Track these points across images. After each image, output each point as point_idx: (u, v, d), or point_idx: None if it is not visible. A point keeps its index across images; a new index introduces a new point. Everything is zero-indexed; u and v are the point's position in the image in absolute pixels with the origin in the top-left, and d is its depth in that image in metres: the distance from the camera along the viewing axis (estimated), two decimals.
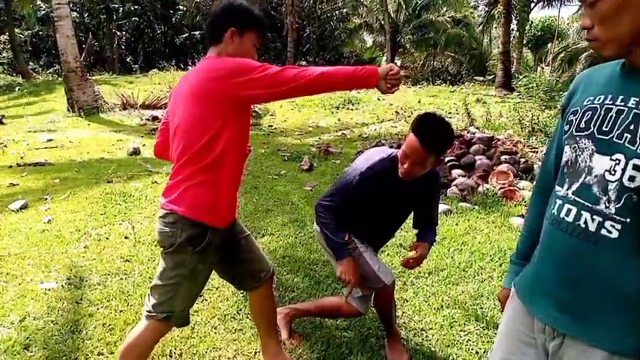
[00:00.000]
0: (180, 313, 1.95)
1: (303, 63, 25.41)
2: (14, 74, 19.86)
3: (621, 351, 1.09)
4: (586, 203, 1.11)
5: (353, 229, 2.38)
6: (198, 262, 1.91)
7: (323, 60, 27.79)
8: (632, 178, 1.04)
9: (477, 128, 7.61)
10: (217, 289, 3.20)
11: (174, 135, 1.92)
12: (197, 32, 27.34)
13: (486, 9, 25.76)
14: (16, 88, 16.20)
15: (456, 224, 4.35)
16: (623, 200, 1.05)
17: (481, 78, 21.79)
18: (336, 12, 28.10)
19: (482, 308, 3.02)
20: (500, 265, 3.59)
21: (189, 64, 24.36)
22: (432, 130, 2.05)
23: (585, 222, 1.11)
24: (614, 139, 1.07)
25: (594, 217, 1.09)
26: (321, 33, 28.67)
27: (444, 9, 26.53)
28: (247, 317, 2.86)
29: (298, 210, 4.77)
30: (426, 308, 3.01)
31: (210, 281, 3.25)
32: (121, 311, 2.92)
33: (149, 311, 1.93)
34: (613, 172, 1.07)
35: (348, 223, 2.35)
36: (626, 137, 1.05)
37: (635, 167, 1.04)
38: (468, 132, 6.86)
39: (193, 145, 1.84)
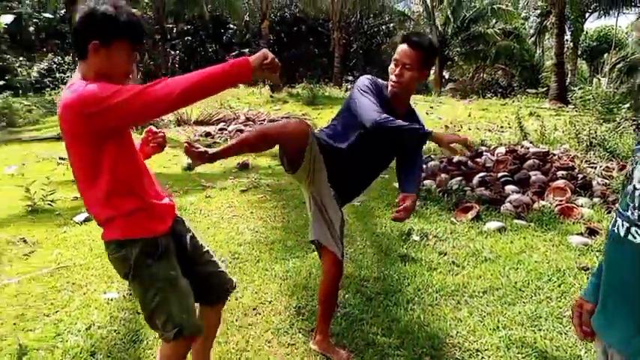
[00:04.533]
0: (187, 323, 1.91)
1: (350, 78, 25.56)
2: None
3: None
4: (621, 211, 1.19)
5: (339, 162, 2.41)
6: (167, 270, 1.89)
7: (370, 74, 27.79)
8: None
9: (531, 143, 7.40)
10: (270, 302, 3.25)
11: None
12: (246, 49, 28.05)
13: (538, 20, 25.13)
14: None
15: (511, 242, 4.24)
16: None
17: (534, 91, 21.16)
18: (383, 27, 28.14)
19: (540, 330, 2.92)
20: (559, 286, 3.47)
21: None
22: (413, 33, 2.34)
23: (618, 228, 1.18)
24: None
25: (624, 223, 1.17)
26: (368, 48, 28.78)
27: (494, 21, 26.04)
28: (300, 332, 2.89)
29: (347, 225, 4.78)
30: (481, 329, 2.95)
31: (263, 295, 3.34)
32: None
33: (162, 335, 1.93)
34: None
35: (339, 154, 2.40)
36: None
37: None
38: (522, 146, 6.70)
39: (85, 189, 1.82)
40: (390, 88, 2.38)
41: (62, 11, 23.23)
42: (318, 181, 2.46)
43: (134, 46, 1.77)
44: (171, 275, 1.91)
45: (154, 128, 2.17)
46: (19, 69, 21.42)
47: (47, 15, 25.13)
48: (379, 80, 2.49)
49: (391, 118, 2.24)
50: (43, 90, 20.94)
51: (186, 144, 2.23)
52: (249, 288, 3.47)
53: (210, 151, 2.31)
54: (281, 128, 2.34)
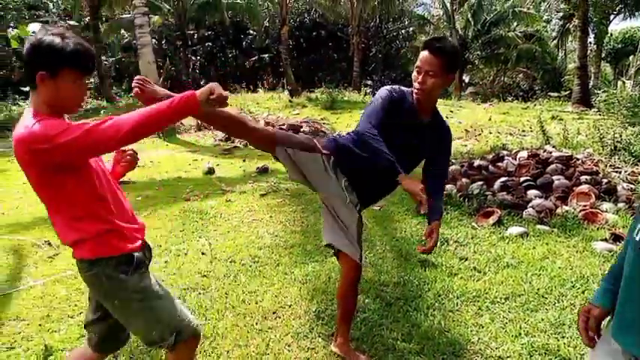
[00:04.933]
0: (183, 325, 1.90)
1: (369, 82, 25.53)
2: (99, 98, 21.39)
3: None
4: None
5: (361, 169, 2.39)
6: (143, 281, 1.87)
7: (389, 79, 27.79)
8: None
9: (554, 147, 7.28)
10: (290, 306, 3.26)
11: None
12: (266, 55, 28.26)
13: (561, 22, 24.78)
14: (101, 112, 17.42)
15: (534, 248, 4.18)
16: None
17: (556, 94, 20.89)
18: (402, 31, 28.08)
19: (564, 337, 2.87)
20: (583, 292, 3.40)
21: (258, 85, 25.18)
22: (434, 38, 2.30)
23: (637, 234, 1.19)
24: None
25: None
26: (387, 52, 28.73)
27: (515, 24, 25.78)
28: (320, 336, 2.89)
29: (367, 230, 4.77)
30: (503, 335, 2.91)
31: (282, 298, 3.35)
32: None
33: (165, 345, 1.90)
34: None
35: (361, 160, 2.34)
36: None
37: None
38: (544, 151, 6.60)
39: (50, 214, 1.81)
40: (414, 95, 2.37)
41: (87, 19, 23.72)
42: (325, 190, 2.48)
43: (82, 75, 1.73)
44: (149, 284, 1.89)
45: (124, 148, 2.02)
46: None
47: (72, 22, 25.71)
48: (403, 88, 2.47)
49: (376, 137, 2.23)
50: None
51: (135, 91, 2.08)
52: (269, 291, 3.48)
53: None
54: (254, 128, 2.37)
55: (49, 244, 4.47)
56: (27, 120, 1.68)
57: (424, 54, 2.27)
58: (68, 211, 1.78)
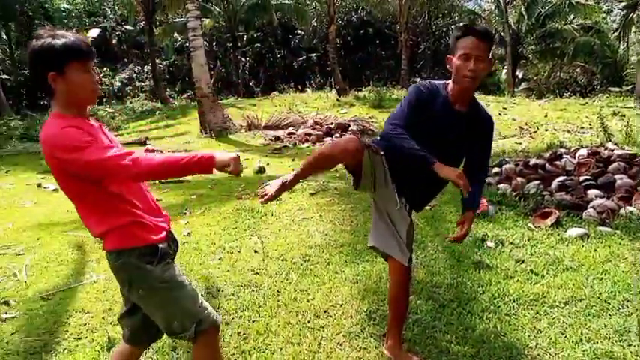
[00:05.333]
0: (203, 315, 1.97)
1: (417, 79, 25.16)
2: (154, 100, 22.21)
3: None
4: None
5: (403, 170, 2.37)
6: (169, 272, 1.93)
7: (438, 76, 27.28)
8: None
9: (616, 144, 6.93)
10: (341, 305, 3.27)
11: None
12: (313, 54, 28.43)
13: (623, 13, 23.51)
14: (157, 113, 18.08)
15: (595, 250, 3.99)
16: None
17: (617, 89, 19.84)
18: (452, 27, 27.49)
19: (630, 345, 2.73)
20: None
21: (307, 85, 25.36)
22: (471, 24, 2.26)
23: None
24: None
25: None
26: (436, 49, 28.23)
27: (572, 16, 24.69)
28: (371, 336, 2.89)
29: (418, 230, 4.69)
30: (562, 341, 2.80)
31: (334, 297, 3.36)
32: (253, 321, 3.11)
33: (188, 335, 1.96)
34: None
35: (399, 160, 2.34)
36: None
37: None
38: (606, 149, 6.29)
39: (77, 208, 1.91)
40: (463, 84, 2.29)
41: (141, 23, 24.66)
42: (382, 192, 2.48)
43: (85, 63, 1.82)
44: (175, 275, 1.96)
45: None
46: (103, 79, 23.01)
47: (128, 27, 26.81)
48: (435, 82, 2.43)
49: (400, 135, 2.25)
50: (125, 97, 22.36)
51: (260, 200, 2.38)
52: (320, 290, 3.50)
53: (284, 180, 2.40)
54: (332, 147, 2.38)
55: None
56: (49, 122, 1.81)
57: (471, 40, 2.22)
58: (93, 207, 1.89)
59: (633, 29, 22.78)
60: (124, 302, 2.15)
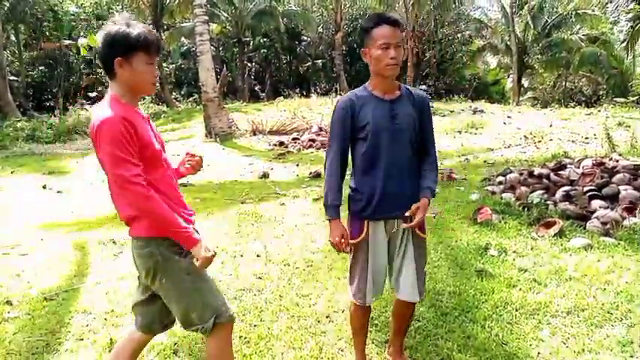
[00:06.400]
0: (223, 310, 2.02)
1: (423, 87, 25.16)
2: (160, 103, 22.31)
3: None
4: None
5: (366, 175, 2.34)
6: (192, 264, 1.95)
7: (443, 83, 27.30)
8: None
9: (621, 155, 6.92)
10: (343, 311, 3.27)
11: None
12: (319, 61, 28.51)
13: (630, 24, 23.48)
14: (162, 116, 18.17)
15: (598, 261, 3.98)
16: None
17: (622, 99, 19.76)
18: (458, 35, 27.52)
19: (632, 357, 2.71)
20: None
21: (312, 91, 25.43)
22: (379, 14, 2.27)
23: None
24: None
25: None
26: (442, 57, 28.25)
27: (578, 26, 24.70)
28: (373, 343, 2.89)
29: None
30: (564, 351, 2.79)
31: (336, 303, 3.36)
32: (255, 325, 3.11)
33: (202, 327, 1.99)
34: None
35: (361, 169, 2.35)
36: None
37: None
38: (610, 159, 6.28)
39: (113, 192, 1.97)
40: (386, 72, 2.24)
41: (149, 26, 24.78)
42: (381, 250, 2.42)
43: (151, 56, 1.93)
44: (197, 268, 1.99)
45: (192, 150, 2.35)
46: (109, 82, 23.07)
47: None
48: (353, 90, 2.41)
49: (330, 168, 2.36)
50: None
51: None
52: (323, 295, 3.51)
53: None
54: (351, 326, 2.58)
55: (114, 242, 4.69)
56: (107, 104, 1.89)
57: (385, 29, 2.19)
58: None
59: None
60: (140, 291, 2.16)
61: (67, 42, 22.93)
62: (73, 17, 23.72)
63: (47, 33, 23.04)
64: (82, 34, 22.70)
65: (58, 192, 7.32)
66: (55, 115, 17.67)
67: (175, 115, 18.05)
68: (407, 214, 2.27)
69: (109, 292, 3.66)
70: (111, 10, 25.22)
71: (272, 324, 3.12)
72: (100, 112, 1.86)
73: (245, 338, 2.95)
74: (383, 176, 2.29)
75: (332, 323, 3.13)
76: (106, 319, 3.28)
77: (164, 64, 24.51)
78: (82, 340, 3.04)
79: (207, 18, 12.52)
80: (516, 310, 3.23)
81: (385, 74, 2.25)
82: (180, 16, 20.99)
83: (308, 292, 3.57)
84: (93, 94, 23.00)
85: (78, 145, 13.71)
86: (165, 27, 23.88)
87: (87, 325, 3.20)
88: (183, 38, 25.34)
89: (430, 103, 2.43)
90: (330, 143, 2.38)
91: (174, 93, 25.43)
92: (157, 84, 2.06)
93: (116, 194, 1.96)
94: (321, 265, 4.07)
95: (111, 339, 2.97)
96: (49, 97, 23.99)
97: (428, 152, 2.42)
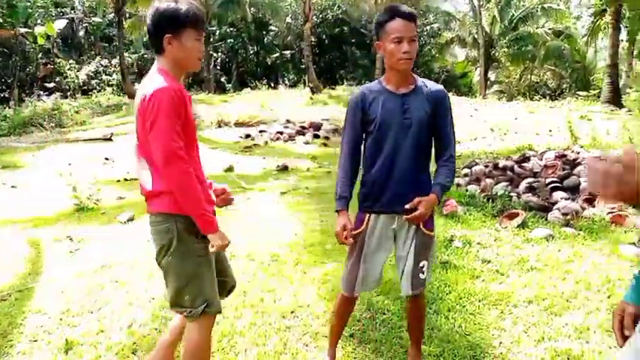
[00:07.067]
0: (215, 300, 2.04)
1: None
2: (122, 94, 21.73)
3: None
4: None
5: (371, 168, 2.32)
6: (207, 250, 1.97)
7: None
8: None
9: (582, 147, 7.10)
10: (309, 306, 3.24)
11: None
12: (287, 52, 28.30)
13: (591, 19, 24.15)
14: (123, 108, 17.69)
15: (559, 250, 4.06)
16: None
17: (585, 93, 20.33)
18: (427, 27, 27.77)
19: (588, 343, 2.77)
20: (609, 297, 3.29)
21: (280, 82, 25.26)
22: (394, 6, 2.22)
23: None
24: None
25: None
26: None
27: (544, 20, 25.26)
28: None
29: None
30: (525, 339, 2.83)
31: (301, 298, 3.32)
32: (217, 322, 3.02)
33: (190, 312, 2.00)
34: None
35: (368, 162, 2.33)
36: None
37: None
38: (572, 151, 6.43)
39: (149, 163, 1.99)
40: (400, 67, 2.20)
41: (110, 15, 24.09)
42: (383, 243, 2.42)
43: (199, 32, 1.96)
44: (209, 253, 2.01)
45: (227, 188, 2.36)
46: (68, 71, 22.31)
47: (97, 19, 26.12)
48: (366, 85, 2.40)
49: (343, 168, 2.34)
50: (90, 92, 21.77)
51: None
52: (288, 290, 3.46)
53: None
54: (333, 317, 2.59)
55: (71, 239, 4.53)
56: (159, 76, 1.91)
57: (398, 22, 2.17)
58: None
59: (601, 35, 23.41)
60: None
61: (22, 30, 22.00)
62: (29, 4, 22.77)
63: (1, 20, 22.04)
64: (39, 21, 21.81)
65: (13, 187, 7.02)
66: (9, 107, 16.97)
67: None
68: (407, 206, 2.22)
69: (64, 291, 3.52)
70: None
71: (235, 320, 3.06)
72: (152, 83, 1.88)
73: None
74: (386, 170, 2.27)
75: (297, 318, 3.09)
76: (61, 319, 3.14)
77: (126, 54, 23.83)
78: (36, 341, 2.91)
79: None
80: (479, 301, 3.27)
81: (399, 68, 2.22)
82: (144, 4, 20.39)
83: (273, 287, 3.52)
84: (50, 85, 22.15)
85: (34, 137, 13.17)
86: (127, 15, 23.21)
87: (41, 326, 3.06)
88: (146, 27, 24.73)
89: (448, 97, 2.36)
90: (343, 136, 2.39)
91: (136, 84, 24.79)
92: (202, 60, 2.10)
93: (157, 166, 1.91)
94: (287, 259, 4.02)
95: (66, 339, 2.85)
96: (4, 87, 23.00)
97: (443, 149, 2.34)
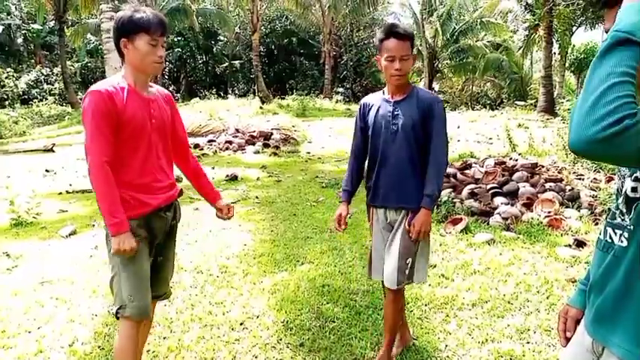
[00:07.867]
0: (127, 303, 2.04)
1: (341, 90, 25.65)
2: (64, 104, 20.89)
3: None
4: (609, 220, 1.22)
5: (371, 166, 2.59)
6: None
7: (360, 86, 28.00)
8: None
9: (520, 154, 7.44)
10: (258, 317, 3.21)
11: None
12: (237, 61, 28.13)
13: (526, 33, 25.48)
14: (66, 118, 17.01)
15: (500, 254, 4.24)
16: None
17: (522, 102, 21.38)
18: (373, 39, 28.39)
19: (529, 343, 2.90)
20: (548, 298, 3.46)
21: (230, 92, 25.00)
22: (392, 25, 2.43)
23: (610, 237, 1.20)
24: None
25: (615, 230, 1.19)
26: (358, 60, 28.98)
27: (483, 34, 26.41)
28: (288, 347, 2.85)
29: (337, 238, 4.75)
30: (469, 342, 2.93)
31: (251, 309, 3.29)
32: (164, 337, 2.96)
33: (111, 309, 2.11)
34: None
35: (369, 161, 2.62)
36: None
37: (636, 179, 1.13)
38: (511, 158, 6.73)
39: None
40: (393, 82, 2.44)
41: (51, 23, 23.14)
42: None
43: (152, 37, 2.04)
44: (138, 257, 2.08)
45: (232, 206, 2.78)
46: (6, 80, 21.22)
47: (36, 26, 25.02)
48: (366, 97, 2.68)
49: (349, 167, 2.70)
50: (31, 101, 20.79)
51: None
52: (237, 302, 3.42)
53: None
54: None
55: (8, 255, 4.30)
56: (112, 77, 2.13)
57: (394, 42, 2.36)
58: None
59: (535, 48, 24.73)
60: None
61: None
62: None
63: None
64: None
65: None
66: None
67: (81, 117, 16.96)
68: (407, 226, 2.46)
69: (0, 311, 3.33)
70: (6, 3, 23.30)
71: (183, 335, 2.99)
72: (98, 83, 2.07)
73: (153, 352, 2.80)
74: (380, 169, 2.52)
75: (246, 330, 3.06)
76: None
77: (69, 63, 22.96)
78: None
79: (114, 14, 11.86)
80: (426, 305, 3.35)
81: (391, 83, 2.46)
82: (86, 11, 19.74)
83: (222, 299, 3.47)
84: None
85: None
86: (69, 23, 22.39)
87: None
88: (89, 35, 23.90)
89: (440, 106, 2.50)
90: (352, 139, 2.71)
91: (79, 93, 23.87)
92: (162, 65, 2.18)
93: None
94: (236, 270, 3.98)
95: None
96: None
97: (430, 154, 2.46)
